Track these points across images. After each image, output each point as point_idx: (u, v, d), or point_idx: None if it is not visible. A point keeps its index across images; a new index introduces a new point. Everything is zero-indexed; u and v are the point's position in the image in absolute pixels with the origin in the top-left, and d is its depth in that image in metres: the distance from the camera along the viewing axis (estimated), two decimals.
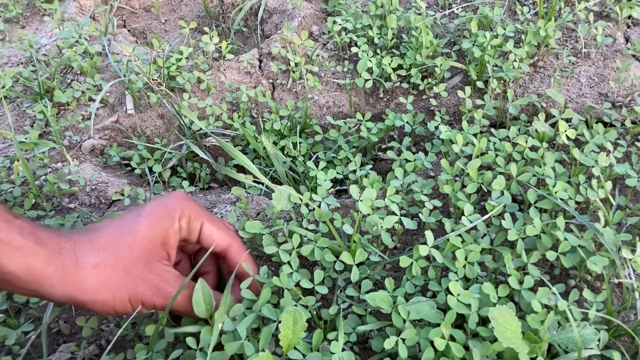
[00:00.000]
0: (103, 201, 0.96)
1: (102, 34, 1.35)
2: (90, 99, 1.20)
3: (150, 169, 1.05)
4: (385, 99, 1.14)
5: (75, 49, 1.25)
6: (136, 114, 1.16)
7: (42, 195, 0.95)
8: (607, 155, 0.79)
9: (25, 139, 1.03)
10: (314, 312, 0.65)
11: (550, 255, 0.65)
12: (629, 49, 1.08)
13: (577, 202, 0.75)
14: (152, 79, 1.12)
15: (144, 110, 1.17)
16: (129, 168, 1.11)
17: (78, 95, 1.18)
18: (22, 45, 1.29)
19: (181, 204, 0.64)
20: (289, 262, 0.70)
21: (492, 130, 0.90)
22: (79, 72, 1.26)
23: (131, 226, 0.60)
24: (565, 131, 0.82)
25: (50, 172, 1.00)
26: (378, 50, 1.17)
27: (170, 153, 1.06)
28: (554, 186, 0.73)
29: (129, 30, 1.62)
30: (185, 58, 1.18)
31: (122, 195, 0.94)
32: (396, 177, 0.83)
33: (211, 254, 0.66)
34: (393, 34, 1.17)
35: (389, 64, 1.11)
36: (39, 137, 1.10)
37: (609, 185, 0.72)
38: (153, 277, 0.59)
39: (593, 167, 0.77)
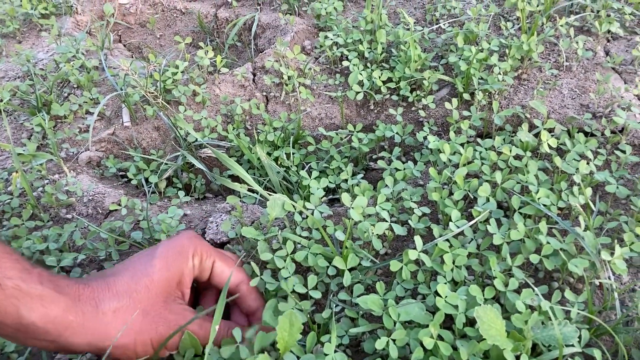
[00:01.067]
0: (100, 211, 0.98)
1: (98, 48, 1.38)
2: (87, 112, 1.22)
3: (147, 180, 1.07)
4: (375, 111, 1.18)
5: (72, 64, 1.28)
6: (132, 127, 1.18)
7: (40, 206, 0.97)
8: (587, 164, 0.82)
9: (23, 151, 1.05)
10: (308, 316, 0.68)
11: (534, 259, 0.68)
12: (608, 62, 1.13)
13: (559, 208, 0.78)
14: (149, 92, 1.15)
15: (140, 123, 1.19)
16: (125, 179, 1.13)
17: (75, 109, 1.20)
18: (19, 59, 1.32)
19: (193, 244, 0.65)
20: (284, 268, 0.72)
21: (479, 140, 0.94)
22: (75, 85, 1.29)
23: (147, 268, 0.61)
24: (547, 140, 0.85)
25: (47, 184, 1.02)
26: (368, 64, 1.21)
27: (166, 164, 1.08)
28: (537, 193, 0.76)
29: (124, 45, 1.65)
30: (181, 72, 1.21)
31: (119, 205, 0.96)
32: (386, 185, 0.86)
33: (220, 289, 0.68)
34: (383, 49, 1.21)
35: (379, 77, 1.15)
36: (37, 149, 1.11)
37: (589, 191, 0.75)
38: (173, 316, 0.60)
39: (574, 174, 0.80)
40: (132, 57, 1.57)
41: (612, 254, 0.66)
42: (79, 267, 0.84)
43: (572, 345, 0.59)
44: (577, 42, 1.12)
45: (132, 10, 1.69)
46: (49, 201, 0.95)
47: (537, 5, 1.25)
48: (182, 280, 0.64)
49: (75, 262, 0.84)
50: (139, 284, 0.59)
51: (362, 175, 1.01)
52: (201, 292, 0.74)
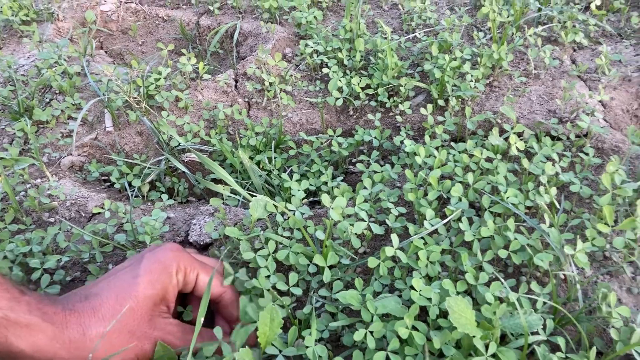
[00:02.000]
0: (83, 215, 0.99)
1: (80, 55, 1.39)
2: (70, 117, 1.23)
3: (130, 184, 1.09)
4: (354, 116, 1.22)
5: (55, 70, 1.28)
6: (115, 132, 1.20)
7: (22, 210, 0.97)
8: (553, 165, 0.87)
9: (5, 155, 1.05)
10: (290, 312, 0.70)
11: (503, 254, 0.72)
12: (574, 70, 1.19)
13: (527, 207, 0.83)
14: (132, 98, 1.16)
15: (123, 128, 1.20)
16: (108, 184, 1.14)
17: (57, 114, 1.21)
18: (0, 65, 1.32)
19: (177, 258, 0.66)
20: (265, 267, 0.75)
21: (452, 143, 0.98)
22: (57, 91, 1.29)
23: (131, 288, 0.62)
24: (516, 144, 0.90)
25: (30, 188, 1.03)
26: (347, 71, 1.25)
27: (149, 168, 1.09)
28: (506, 193, 0.81)
29: (106, 52, 1.66)
30: (164, 78, 1.23)
31: (103, 208, 0.97)
32: (365, 187, 0.89)
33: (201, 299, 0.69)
34: (361, 56, 1.26)
35: (358, 84, 1.19)
36: (19, 154, 1.12)
37: (554, 191, 0.80)
38: (157, 333, 0.63)
39: (541, 175, 0.85)
40: (114, 63, 1.58)
41: (574, 249, 0.71)
42: (62, 270, 0.85)
43: (538, 333, 0.63)
44: (544, 52, 1.18)
45: (114, 17, 1.70)
46: (31, 205, 0.96)
47: (508, 17, 1.31)
48: (167, 296, 0.65)
49: (58, 264, 0.85)
50: (123, 305, 0.61)
51: (342, 178, 1.04)
52: (189, 299, 0.75)
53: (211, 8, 1.65)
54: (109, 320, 0.59)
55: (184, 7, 1.76)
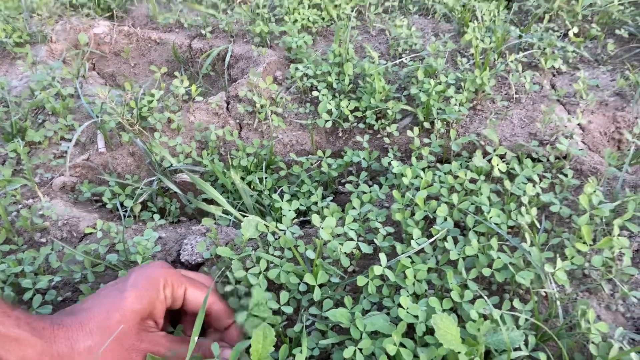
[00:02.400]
0: (75, 235, 0.99)
1: (74, 76, 1.41)
2: (62, 138, 1.24)
3: (122, 204, 1.10)
4: (343, 138, 1.25)
5: (48, 91, 1.30)
6: (107, 152, 1.21)
7: (14, 230, 0.98)
8: (534, 186, 0.91)
9: None
10: (281, 330, 0.72)
11: (486, 272, 0.75)
12: (554, 94, 1.24)
13: (509, 227, 0.86)
14: (125, 119, 1.18)
15: (115, 149, 1.22)
16: (100, 204, 1.15)
17: (50, 135, 1.22)
18: None
19: (164, 274, 0.67)
20: (257, 285, 0.76)
21: (438, 165, 1.02)
22: (50, 112, 1.31)
23: (118, 303, 0.63)
24: (498, 165, 0.94)
25: (22, 208, 1.03)
26: (337, 94, 1.29)
27: (141, 189, 1.11)
28: (489, 213, 0.84)
29: (98, 74, 1.68)
30: (157, 100, 1.26)
31: (95, 228, 0.98)
32: (354, 207, 0.92)
33: (193, 312, 0.70)
34: (350, 80, 1.30)
35: (347, 107, 1.22)
36: (11, 174, 1.13)
37: (534, 211, 0.83)
38: (145, 345, 0.63)
39: (522, 196, 0.89)
40: (107, 85, 1.61)
41: (554, 267, 0.73)
42: (54, 290, 0.85)
43: (520, 349, 0.66)
44: (525, 77, 1.23)
45: (107, 39, 1.73)
46: (23, 225, 0.96)
47: (490, 43, 1.37)
48: (154, 312, 0.65)
49: (50, 284, 0.86)
50: (111, 319, 0.61)
51: (331, 198, 1.07)
52: (181, 314, 0.76)
53: (203, 32, 1.69)
54: (96, 334, 0.60)
55: (177, 30, 1.80)
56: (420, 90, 1.20)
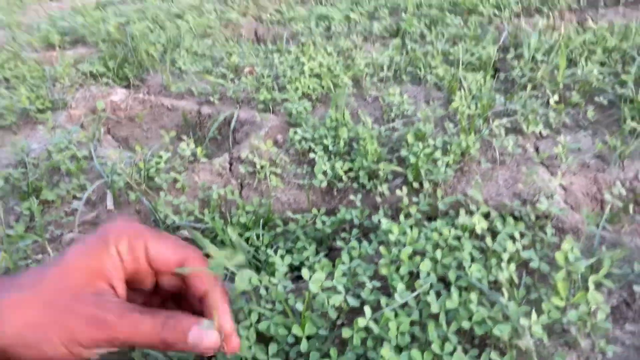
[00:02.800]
0: None
1: (89, 140, 1.52)
2: (74, 197, 1.32)
3: None
4: (338, 197, 1.32)
5: (64, 154, 1.40)
6: (115, 210, 1.29)
7: None
8: (514, 243, 0.95)
9: (11, 232, 1.13)
10: None
11: (466, 325, 0.78)
12: (537, 157, 1.32)
13: (490, 281, 0.90)
14: (133, 179, 1.27)
15: (123, 207, 1.30)
16: None
17: (63, 194, 1.31)
18: (14, 149, 1.44)
19: (119, 227, 0.55)
20: (247, 337, 0.80)
21: (426, 222, 1.07)
22: (65, 173, 1.41)
23: (59, 259, 0.52)
24: (479, 223, 0.99)
25: (31, 263, 1.10)
26: (332, 156, 1.38)
27: None
28: (470, 268, 0.88)
29: (113, 137, 1.80)
30: (164, 161, 1.35)
31: None
32: (343, 262, 0.97)
33: (167, 275, 0.58)
34: (345, 143, 1.39)
35: (341, 168, 1.30)
36: (24, 231, 1.20)
37: (513, 267, 0.88)
38: (85, 307, 0.50)
39: (503, 252, 0.93)
40: (120, 147, 1.72)
41: (531, 321, 0.77)
42: None
43: None
44: (508, 141, 1.31)
45: (123, 106, 1.87)
46: None
47: (476, 109, 1.46)
48: (103, 269, 0.52)
49: None
50: (46, 274, 0.51)
51: (325, 253, 1.11)
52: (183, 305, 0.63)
53: (211, 99, 1.82)
54: (27, 288, 0.50)
55: (187, 97, 1.94)
56: (409, 152, 1.28)
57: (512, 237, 1.00)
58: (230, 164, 1.43)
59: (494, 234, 1.05)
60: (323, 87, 1.79)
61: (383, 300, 0.84)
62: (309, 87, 1.76)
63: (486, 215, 1.10)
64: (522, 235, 1.03)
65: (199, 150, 1.38)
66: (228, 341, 0.57)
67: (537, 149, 1.39)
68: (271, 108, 1.72)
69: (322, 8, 2.67)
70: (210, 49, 2.37)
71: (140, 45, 2.16)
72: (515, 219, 1.09)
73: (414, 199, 1.18)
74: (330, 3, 2.93)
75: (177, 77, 2.12)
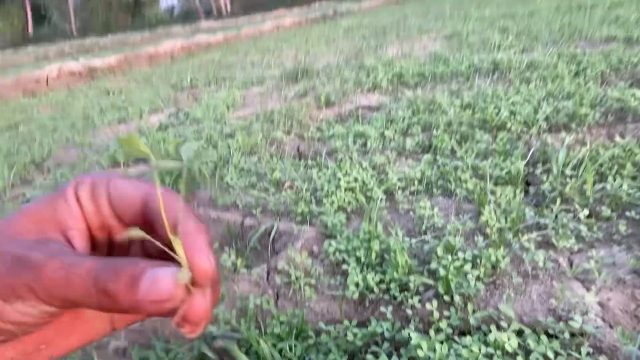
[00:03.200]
0: None
1: None
2: None
3: None
4: (370, 308, 1.34)
5: None
6: (158, 319, 1.36)
7: None
8: None
9: None
10: None
11: None
12: (570, 271, 1.31)
13: None
14: None
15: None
16: None
17: None
18: None
19: (82, 176, 0.45)
20: None
21: (457, 337, 1.07)
22: None
23: (11, 213, 0.43)
24: (510, 341, 0.99)
25: None
26: (364, 267, 1.43)
27: (182, 354, 1.22)
28: None
29: None
30: None
31: None
32: None
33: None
34: (376, 255, 1.44)
35: (373, 279, 1.35)
36: None
37: None
38: (14, 248, 0.38)
39: None
40: None
41: None
42: None
43: None
44: (539, 255, 1.33)
45: None
46: None
47: (505, 223, 1.51)
48: (57, 218, 0.42)
49: None
50: None
51: None
52: None
53: (254, 211, 1.97)
54: None
55: (232, 210, 2.09)
56: (439, 265, 1.31)
57: (546, 357, 0.99)
58: (268, 274, 1.51)
59: (527, 351, 1.03)
60: (357, 201, 1.90)
61: None
62: (344, 200, 1.87)
63: (519, 332, 1.09)
64: (556, 354, 1.01)
65: (239, 261, 1.47)
66: (202, 284, 0.37)
67: (570, 264, 1.39)
68: (308, 220, 1.83)
69: (359, 126, 2.90)
70: (255, 165, 2.59)
71: (194, 163, 2.40)
72: (549, 336, 1.07)
73: (445, 313, 1.19)
74: (367, 122, 3.18)
75: (224, 190, 2.30)
